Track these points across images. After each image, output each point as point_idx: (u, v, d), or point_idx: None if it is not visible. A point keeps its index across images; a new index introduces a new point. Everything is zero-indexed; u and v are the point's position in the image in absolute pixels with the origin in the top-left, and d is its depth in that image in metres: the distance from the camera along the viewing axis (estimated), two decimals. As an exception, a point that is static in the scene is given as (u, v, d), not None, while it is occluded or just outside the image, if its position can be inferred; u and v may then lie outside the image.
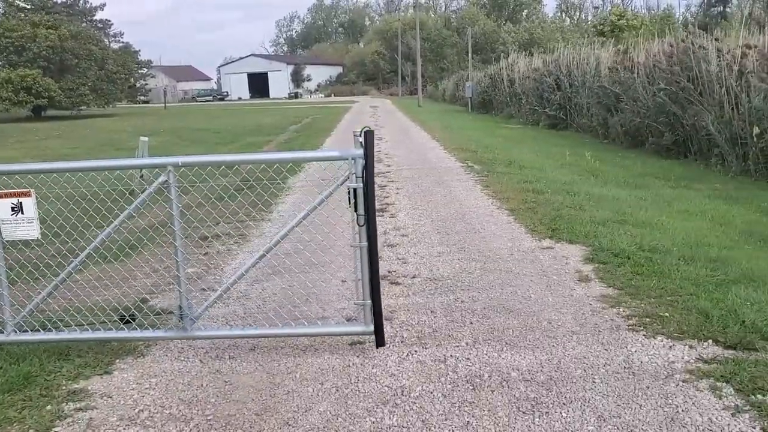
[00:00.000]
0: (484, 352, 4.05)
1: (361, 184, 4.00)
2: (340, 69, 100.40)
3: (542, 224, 7.34)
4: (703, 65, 12.06)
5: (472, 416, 3.30)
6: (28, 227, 4.18)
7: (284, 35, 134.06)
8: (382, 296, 5.11)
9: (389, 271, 5.81)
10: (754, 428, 3.04)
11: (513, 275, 5.60)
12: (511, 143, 17.14)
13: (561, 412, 3.30)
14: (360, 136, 4.01)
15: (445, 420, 3.28)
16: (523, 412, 3.32)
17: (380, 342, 4.20)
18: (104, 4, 58.42)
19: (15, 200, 4.15)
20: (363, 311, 4.19)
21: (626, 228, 6.95)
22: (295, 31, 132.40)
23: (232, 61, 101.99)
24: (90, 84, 43.97)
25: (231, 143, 19.75)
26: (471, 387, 3.61)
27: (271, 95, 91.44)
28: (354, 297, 4.25)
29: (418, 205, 8.85)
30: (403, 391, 3.60)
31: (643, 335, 4.18)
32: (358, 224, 4.07)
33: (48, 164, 4.73)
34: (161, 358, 4.21)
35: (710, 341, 4.03)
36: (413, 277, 5.66)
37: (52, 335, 4.37)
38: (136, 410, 3.53)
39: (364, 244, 4.09)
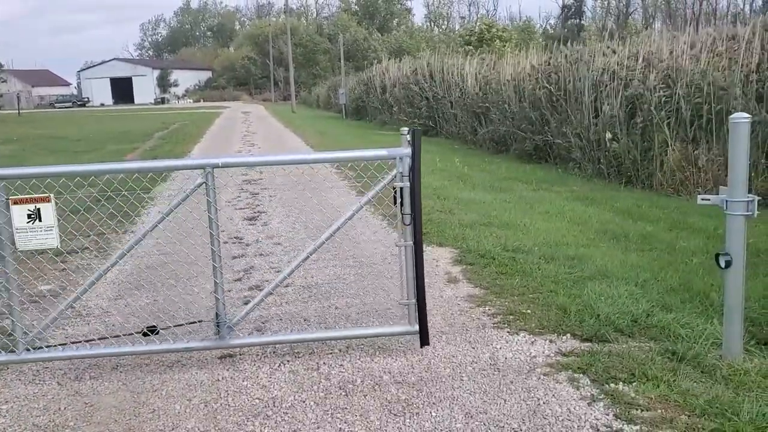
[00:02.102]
0: (357, 357, 4.07)
1: (408, 183, 3.97)
2: (209, 74, 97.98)
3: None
4: (575, 76, 12.77)
5: (345, 422, 3.30)
6: (45, 235, 3.88)
7: (149, 39, 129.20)
8: (255, 307, 5.06)
9: (262, 281, 5.71)
10: (608, 415, 3.24)
11: (386, 280, 5.67)
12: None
13: (431, 412, 3.37)
14: (408, 134, 3.99)
15: (318, 428, 3.26)
16: (395, 414, 3.36)
17: (425, 341, 4.11)
18: (-55, 2, 53.49)
19: (32, 206, 3.85)
20: (408, 311, 4.15)
21: (492, 230, 7.23)
22: (161, 35, 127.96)
23: (94, 65, 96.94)
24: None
25: (92, 151, 18.73)
26: (343, 393, 3.61)
27: (137, 101, 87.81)
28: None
29: (292, 213, 8.78)
30: (274, 402, 3.54)
31: (507, 332, 4.36)
32: (404, 223, 4.04)
33: (63, 167, 4.27)
34: (13, 383, 3.91)
35: (568, 335, 4.26)
36: (287, 285, 5.59)
37: (73, 352, 4.04)
38: (-18, 442, 3.26)
39: (410, 242, 4.06)
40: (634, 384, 3.52)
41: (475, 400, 3.47)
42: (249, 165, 4.40)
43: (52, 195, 3.91)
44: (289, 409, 3.47)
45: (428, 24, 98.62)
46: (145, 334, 4.19)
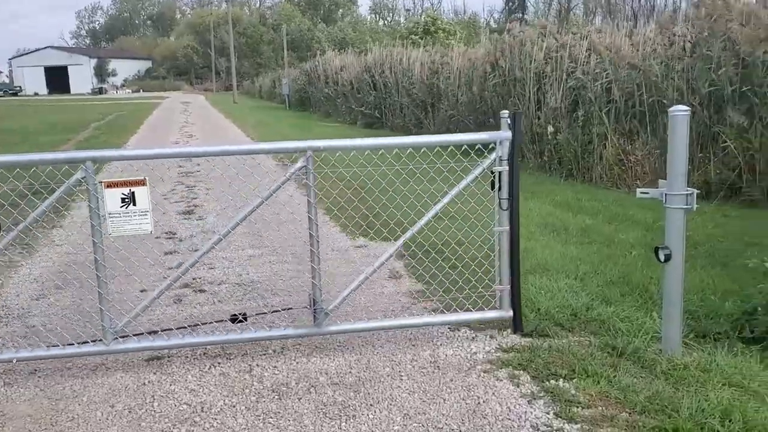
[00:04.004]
0: (293, 358, 3.91)
1: (507, 167, 3.91)
2: (149, 63, 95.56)
3: (357, 223, 7.33)
4: (516, 64, 12.80)
5: (277, 428, 3.14)
6: (140, 221, 3.70)
7: (86, 27, 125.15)
8: (184, 306, 4.84)
9: (194, 279, 5.48)
10: (548, 413, 3.17)
11: (326, 276, 5.49)
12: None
13: (368, 414, 3.24)
14: (508, 118, 3.90)
15: (248, 435, 3.09)
16: (330, 418, 3.22)
17: (518, 327, 4.09)
18: None
19: (126, 190, 3.64)
20: (501, 297, 4.09)
21: (435, 223, 7.12)
22: (99, 23, 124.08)
23: (27, 53, 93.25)
24: None
25: (25, 142, 17.87)
26: (277, 396, 3.45)
27: (73, 91, 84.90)
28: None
29: (228, 206, 8.51)
30: (203, 408, 3.35)
31: (449, 328, 4.26)
32: (501, 208, 3.97)
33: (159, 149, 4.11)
34: None
35: (509, 330, 4.19)
36: (220, 283, 5.38)
37: (164, 341, 3.88)
38: None
39: (506, 228, 4.00)
40: (574, 380, 3.47)
41: (413, 401, 3.35)
42: (348, 148, 4.45)
43: (146, 178, 3.71)
44: (219, 414, 3.28)
45: (373, 16, 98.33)
46: (237, 321, 4.08)
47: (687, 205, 3.67)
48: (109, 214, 3.68)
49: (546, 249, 6.06)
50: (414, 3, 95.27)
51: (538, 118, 12.00)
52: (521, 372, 3.60)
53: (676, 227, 3.71)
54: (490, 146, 4.07)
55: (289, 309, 4.52)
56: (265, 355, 3.96)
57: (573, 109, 11.22)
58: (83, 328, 4.23)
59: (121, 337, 3.85)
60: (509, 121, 3.95)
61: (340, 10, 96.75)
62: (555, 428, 3.04)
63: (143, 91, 78.17)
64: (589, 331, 4.15)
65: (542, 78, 11.97)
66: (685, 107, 3.64)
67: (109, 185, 3.66)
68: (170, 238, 6.85)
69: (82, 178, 3.66)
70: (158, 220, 7.51)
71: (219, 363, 3.85)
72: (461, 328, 4.25)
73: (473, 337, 4.11)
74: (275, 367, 3.79)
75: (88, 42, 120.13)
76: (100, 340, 3.83)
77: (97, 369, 3.84)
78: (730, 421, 2.96)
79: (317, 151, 3.87)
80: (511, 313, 4.11)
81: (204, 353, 3.99)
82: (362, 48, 29.51)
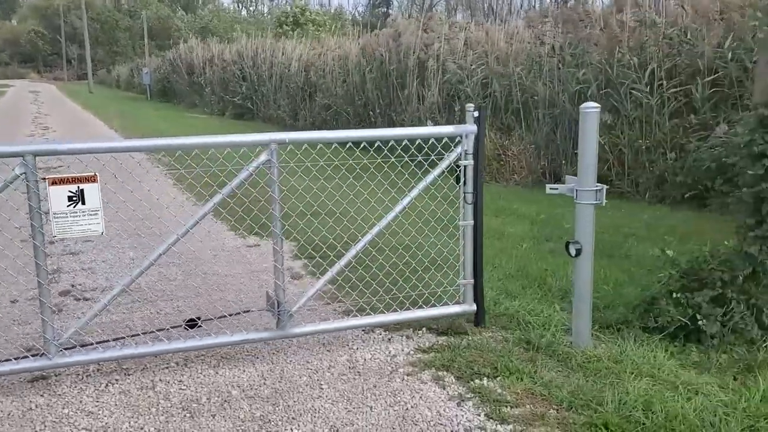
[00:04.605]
0: (199, 370, 3.61)
1: (472, 161, 3.89)
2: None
3: (246, 221, 7.01)
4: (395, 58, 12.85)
5: (195, 451, 2.87)
6: (89, 221, 3.36)
7: None
8: (65, 317, 4.38)
9: (73, 285, 4.99)
10: (479, 415, 3.11)
11: (220, 278, 5.21)
12: (198, 133, 16.45)
13: (292, 429, 3.04)
14: (474, 111, 3.88)
15: (164, 462, 2.80)
16: (252, 436, 2.98)
17: (479, 322, 4.10)
18: None
19: (74, 187, 3.33)
20: (464, 291, 4.07)
21: (324, 219, 6.94)
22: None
23: None
24: None
25: None
26: (188, 414, 3.16)
27: None
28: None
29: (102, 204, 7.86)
30: (106, 433, 3.01)
31: (362, 330, 4.12)
32: (466, 202, 3.96)
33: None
34: None
35: (424, 329, 4.12)
36: (104, 290, 4.93)
37: (116, 352, 3.53)
38: None
39: (470, 222, 4.00)
40: (498, 378, 3.44)
41: (338, 411, 3.18)
42: (314, 141, 4.23)
43: (97, 174, 3.41)
44: (125, 439, 2.96)
45: (236, 5, 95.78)
46: (195, 326, 3.83)
47: (597, 200, 3.75)
48: (54, 214, 3.30)
49: (440, 244, 6.05)
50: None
51: (418, 110, 12.12)
52: (445, 373, 3.52)
53: (586, 222, 3.79)
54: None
55: (249, 311, 4.29)
56: (167, 368, 3.63)
57: (451, 104, 11.41)
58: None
59: (65, 349, 3.46)
60: (475, 115, 3.92)
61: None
62: (489, 430, 2.98)
63: (-18, 78, 71.62)
64: (500, 326, 4.17)
65: (424, 71, 12.09)
66: (595, 104, 3.70)
67: (55, 182, 3.30)
68: (38, 241, 6.21)
69: (22, 174, 3.24)
70: (25, 221, 6.81)
71: (116, 380, 3.49)
72: (375, 329, 4.13)
73: (389, 339, 4.00)
74: (181, 381, 3.48)
75: None
76: (43, 354, 3.40)
77: (-31, 395, 3.36)
78: (652, 413, 3.04)
79: (282, 144, 3.67)
80: (474, 307, 4.10)
81: (98, 369, 3.60)
82: (226, 37, 28.60)
